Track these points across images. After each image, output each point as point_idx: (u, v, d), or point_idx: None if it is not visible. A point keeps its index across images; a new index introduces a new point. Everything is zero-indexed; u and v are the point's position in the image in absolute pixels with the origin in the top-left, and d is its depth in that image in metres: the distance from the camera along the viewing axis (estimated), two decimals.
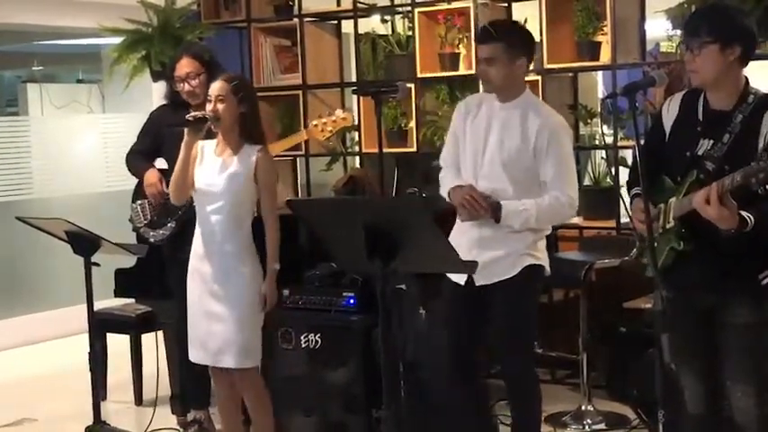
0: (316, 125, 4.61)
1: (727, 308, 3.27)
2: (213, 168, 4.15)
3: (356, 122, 4.70)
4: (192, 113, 4.15)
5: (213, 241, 4.14)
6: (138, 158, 5.01)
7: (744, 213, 3.06)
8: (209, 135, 4.19)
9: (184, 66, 4.80)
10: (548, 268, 4.02)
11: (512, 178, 3.88)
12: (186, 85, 4.77)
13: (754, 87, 3.28)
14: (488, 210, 3.84)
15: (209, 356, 4.19)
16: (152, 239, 4.92)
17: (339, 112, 4.68)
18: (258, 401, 4.27)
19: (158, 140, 4.97)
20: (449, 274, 3.99)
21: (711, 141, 3.24)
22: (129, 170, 5.06)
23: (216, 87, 4.11)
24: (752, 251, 3.19)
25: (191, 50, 4.93)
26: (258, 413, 4.28)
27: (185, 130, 4.10)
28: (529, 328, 4.01)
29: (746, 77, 3.29)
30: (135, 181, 5.06)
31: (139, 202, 5.00)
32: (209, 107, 4.10)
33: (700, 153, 3.25)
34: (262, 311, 4.15)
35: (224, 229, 4.12)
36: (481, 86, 4.13)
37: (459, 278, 3.95)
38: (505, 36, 3.90)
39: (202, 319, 4.17)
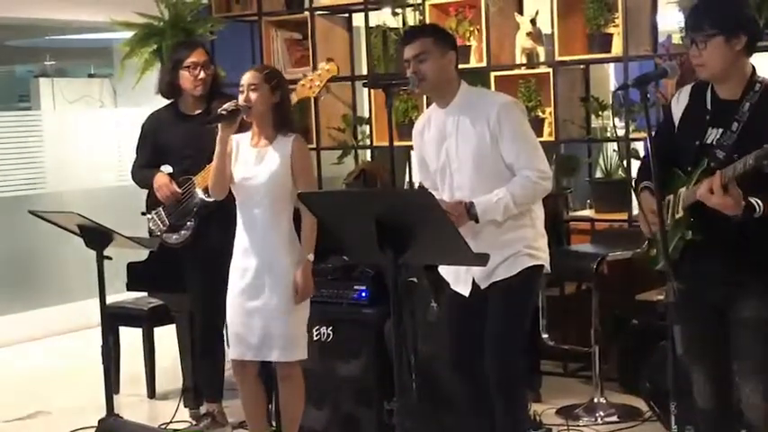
0: (303, 84, 4.59)
1: (738, 302, 3.25)
2: (249, 160, 4.14)
3: (338, 72, 4.69)
4: (225, 106, 4.11)
5: (255, 234, 4.13)
6: (144, 170, 5.03)
7: (752, 199, 3.06)
8: (241, 128, 4.18)
9: (202, 54, 4.89)
10: (548, 266, 3.94)
11: (486, 176, 3.80)
12: (203, 72, 4.83)
13: (761, 76, 3.28)
14: (464, 213, 3.74)
15: (251, 351, 4.16)
16: (174, 243, 4.93)
17: (323, 65, 4.65)
18: (297, 396, 4.26)
19: (158, 149, 4.98)
20: (453, 286, 3.94)
21: (720, 130, 3.23)
22: (138, 184, 5.09)
23: (248, 77, 4.10)
24: (762, 241, 3.19)
25: (201, 43, 5.00)
26: (292, 407, 4.27)
27: (218, 125, 4.08)
28: (521, 329, 3.91)
29: (753, 66, 3.29)
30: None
31: (154, 211, 5.01)
32: (241, 98, 4.09)
33: (708, 142, 3.25)
34: (296, 303, 4.12)
35: (265, 220, 4.11)
36: (424, 105, 4.04)
37: (464, 289, 3.91)
38: (432, 32, 3.92)
39: (244, 314, 4.15)
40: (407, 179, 6.31)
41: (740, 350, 3.28)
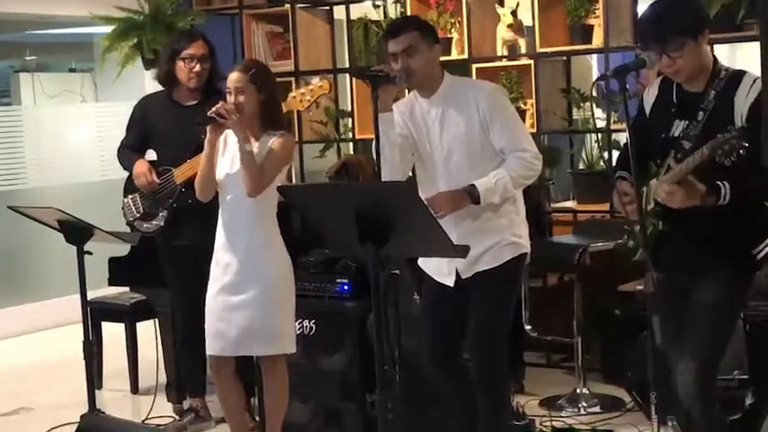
0: (294, 97, 4.57)
1: (697, 285, 3.32)
2: (234, 157, 4.07)
3: (330, 90, 4.66)
4: (213, 110, 4.03)
5: (237, 230, 4.08)
6: (128, 152, 5.00)
7: (719, 182, 3.10)
8: None
9: (201, 47, 4.81)
10: (528, 254, 3.95)
11: (478, 162, 3.78)
12: (199, 65, 4.78)
13: (724, 65, 3.30)
14: (464, 196, 3.74)
15: (231, 347, 4.12)
16: (146, 231, 4.90)
17: (316, 80, 4.63)
18: (281, 391, 4.23)
19: (145, 133, 4.96)
20: (436, 277, 3.93)
21: (686, 122, 3.27)
22: (121, 165, 5.05)
23: (234, 79, 4.03)
24: (727, 228, 3.22)
25: (202, 35, 4.93)
26: (276, 401, 4.24)
27: (207, 128, 4.03)
28: (505, 319, 3.90)
29: (714, 55, 3.32)
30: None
31: (131, 196, 4.99)
32: (229, 99, 4.04)
33: (675, 134, 3.29)
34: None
35: (247, 217, 4.07)
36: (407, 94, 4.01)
37: (448, 280, 3.89)
38: (418, 25, 3.88)
39: (226, 309, 4.11)
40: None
41: (688, 327, 3.31)
